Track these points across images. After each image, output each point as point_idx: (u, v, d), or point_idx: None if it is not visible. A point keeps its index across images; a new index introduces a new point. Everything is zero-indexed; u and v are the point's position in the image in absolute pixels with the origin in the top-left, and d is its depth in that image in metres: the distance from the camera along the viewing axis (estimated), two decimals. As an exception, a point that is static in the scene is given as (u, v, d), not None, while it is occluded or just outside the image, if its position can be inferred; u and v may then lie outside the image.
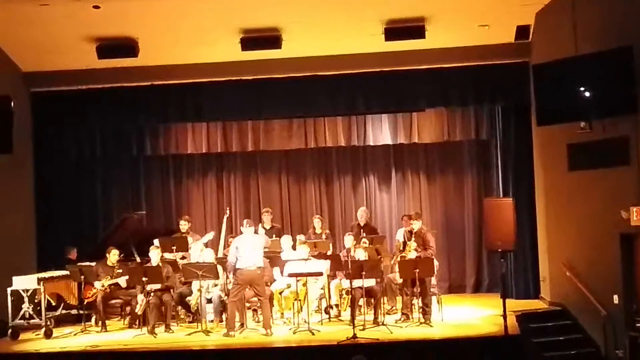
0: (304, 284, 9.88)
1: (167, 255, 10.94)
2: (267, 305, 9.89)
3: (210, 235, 11.58)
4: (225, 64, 11.78)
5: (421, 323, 9.82)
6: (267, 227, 11.87)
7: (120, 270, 10.71)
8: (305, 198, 13.63)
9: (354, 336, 9.05)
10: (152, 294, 10.08)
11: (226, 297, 10.24)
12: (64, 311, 10.92)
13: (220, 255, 11.19)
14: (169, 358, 9.09)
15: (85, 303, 10.67)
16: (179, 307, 10.78)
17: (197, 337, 9.78)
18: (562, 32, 10.21)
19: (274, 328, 9.85)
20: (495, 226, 9.24)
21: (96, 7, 9.97)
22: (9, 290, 10.31)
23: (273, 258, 10.70)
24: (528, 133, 11.67)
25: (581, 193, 10.41)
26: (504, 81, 11.65)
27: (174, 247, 11.07)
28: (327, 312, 10.65)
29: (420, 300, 9.98)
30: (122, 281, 10.63)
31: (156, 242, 10.80)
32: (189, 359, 9.10)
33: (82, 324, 10.48)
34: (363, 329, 9.50)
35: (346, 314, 10.40)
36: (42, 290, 10.32)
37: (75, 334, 10.29)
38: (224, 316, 10.28)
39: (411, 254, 10.17)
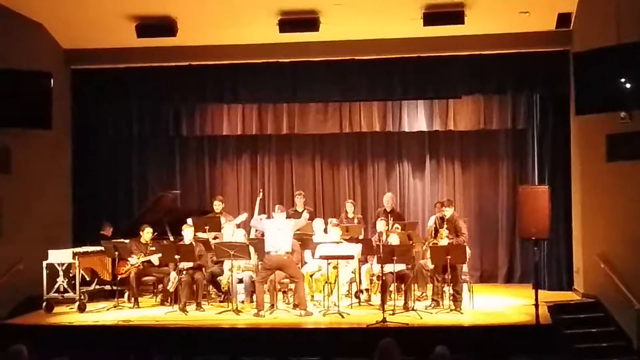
0: (335, 267, 9.89)
1: (200, 235, 11.03)
2: (302, 285, 9.92)
3: (243, 217, 11.65)
4: (262, 46, 11.80)
5: (451, 310, 9.78)
6: (300, 210, 11.89)
7: (154, 248, 10.83)
8: (338, 182, 13.64)
9: (384, 320, 9.04)
10: (184, 272, 10.17)
11: (255, 277, 10.32)
12: (97, 286, 11.06)
13: (252, 236, 11.26)
14: (199, 335, 9.15)
15: (118, 279, 10.81)
16: (210, 287, 10.87)
17: (227, 316, 9.87)
18: (605, 20, 10.02)
19: (303, 310, 9.90)
20: (529, 214, 9.15)
21: (137, -15, 10.07)
22: (44, 263, 10.46)
23: (305, 240, 10.75)
24: (566, 123, 11.51)
25: (619, 184, 10.26)
26: (543, 70, 11.52)
27: (207, 227, 11.15)
28: (357, 297, 10.66)
29: (451, 287, 9.92)
30: (155, 259, 10.75)
31: (189, 221, 10.88)
32: (219, 337, 9.13)
33: (115, 299, 10.62)
34: (393, 314, 9.48)
35: (376, 299, 10.40)
36: (76, 264, 10.45)
37: (108, 309, 10.44)
38: (254, 297, 10.35)
39: (443, 241, 10.11)
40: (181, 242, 10.50)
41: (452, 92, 12.17)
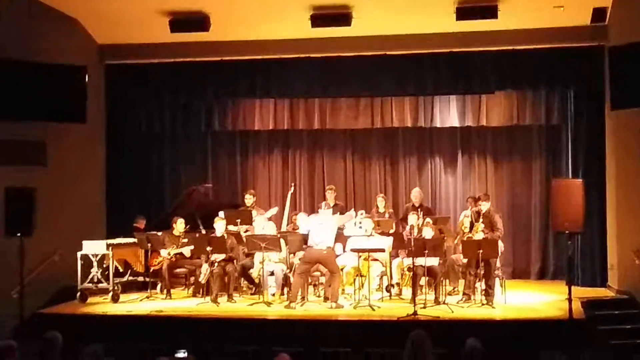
0: (366, 259, 9.89)
1: (231, 228, 11.10)
2: (337, 279, 9.94)
3: (274, 210, 11.70)
4: (294, 41, 11.84)
5: (483, 304, 9.73)
6: (331, 204, 11.88)
7: (186, 240, 10.92)
8: (370, 177, 13.61)
9: (415, 313, 9.02)
10: (216, 264, 10.24)
11: (288, 271, 10.37)
12: (130, 277, 11.20)
13: (283, 229, 11.31)
14: (231, 325, 9.22)
15: (151, 271, 10.93)
16: (242, 279, 10.94)
17: (258, 307, 9.92)
18: (641, 14, 9.94)
19: (334, 303, 9.91)
20: (563, 207, 9.05)
21: (171, -20, 10.15)
22: (78, 254, 10.60)
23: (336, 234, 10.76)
24: (600, 119, 11.38)
25: (654, 180, 10.15)
26: (578, 65, 11.41)
27: (239, 220, 11.21)
28: (388, 291, 10.65)
29: (483, 282, 9.87)
30: (187, 251, 10.84)
31: (221, 213, 10.95)
32: (250, 327, 9.18)
33: (148, 290, 10.74)
34: (424, 307, 9.45)
35: (407, 293, 10.39)
36: (110, 255, 10.59)
37: (141, 300, 10.55)
38: (285, 290, 10.40)
39: (478, 235, 10.05)
40: (213, 235, 10.57)
41: (485, 88, 12.09)
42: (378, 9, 10.88)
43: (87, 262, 10.65)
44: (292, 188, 12.38)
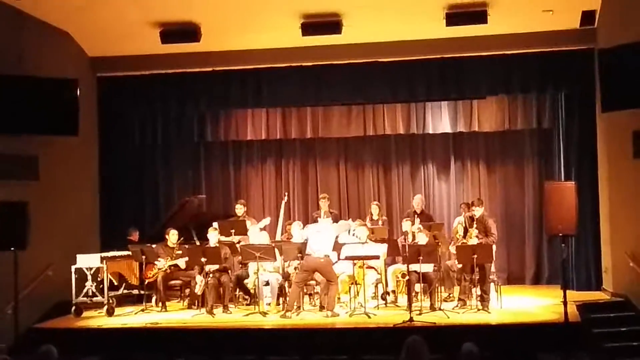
0: (361, 267, 9.89)
1: (225, 239, 11.07)
2: (335, 287, 9.94)
3: (267, 221, 11.68)
4: (285, 50, 11.84)
5: (479, 310, 9.74)
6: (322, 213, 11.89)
7: (180, 252, 10.90)
8: (363, 185, 13.64)
9: (411, 320, 9.03)
10: (210, 275, 10.22)
11: (283, 280, 10.36)
12: (125, 291, 11.17)
13: (277, 239, 11.29)
14: (226, 336, 9.21)
15: (146, 283, 10.91)
16: (237, 290, 10.92)
17: (254, 317, 9.89)
18: (630, 17, 9.97)
19: (330, 311, 9.90)
20: (556, 210, 9.04)
21: (161, -9, 10.16)
22: (73, 268, 10.57)
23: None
24: (591, 121, 11.40)
25: (647, 181, 10.16)
26: (568, 68, 11.43)
27: (233, 230, 11.19)
28: (383, 298, 10.64)
29: (478, 287, 9.87)
30: (182, 262, 10.82)
31: (215, 224, 10.94)
32: (246, 337, 9.18)
33: (143, 303, 10.70)
34: (420, 314, 9.45)
35: (403, 301, 10.39)
36: (104, 268, 10.56)
37: (136, 313, 10.51)
38: (280, 299, 10.39)
39: (472, 241, 10.07)
40: (207, 246, 10.55)
41: (476, 93, 12.12)
42: (368, 17, 10.91)
43: (81, 276, 10.62)
44: (286, 197, 12.38)
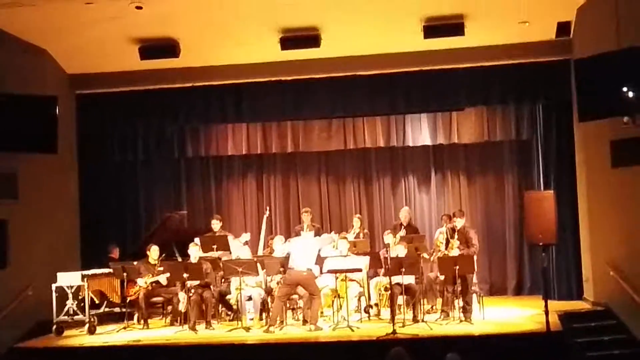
0: (343, 280, 9.89)
1: (205, 255, 11.01)
2: (318, 301, 9.93)
3: (247, 236, 11.63)
4: (264, 65, 11.88)
5: (461, 321, 9.76)
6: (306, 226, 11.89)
7: (162, 268, 10.83)
8: (345, 199, 13.65)
9: (394, 332, 9.02)
10: (192, 291, 10.17)
11: (266, 295, 10.33)
12: (106, 309, 11.06)
13: (260, 254, 11.27)
14: (210, 352, 9.15)
15: (127, 301, 10.81)
16: (220, 306, 10.87)
17: (237, 333, 9.85)
18: (604, 28, 10.05)
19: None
20: (536, 219, 9.11)
21: (139, 7, 10.11)
22: (53, 286, 10.48)
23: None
24: (569, 131, 11.52)
25: (625, 190, 10.22)
26: (545, 79, 11.56)
27: (215, 246, 11.15)
28: (366, 312, 10.63)
29: (461, 299, 9.90)
30: (163, 279, 10.74)
31: (197, 240, 10.90)
32: (229, 353, 9.13)
33: (125, 321, 10.61)
34: (403, 326, 9.46)
35: (386, 314, 10.38)
36: (85, 286, 10.48)
37: (117, 331, 10.41)
38: (264, 314, 10.35)
39: (454, 252, 10.11)
40: (189, 262, 10.50)
41: (455, 105, 12.23)
42: (346, 31, 10.99)
43: (62, 295, 10.52)
44: (267, 212, 12.38)
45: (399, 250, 10.24)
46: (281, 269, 10.11)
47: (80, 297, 10.55)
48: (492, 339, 9.04)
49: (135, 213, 13.43)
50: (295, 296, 10.24)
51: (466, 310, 9.86)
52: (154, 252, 10.95)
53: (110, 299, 11.06)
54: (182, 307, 10.29)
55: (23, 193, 11.04)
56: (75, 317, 10.50)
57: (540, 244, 9.30)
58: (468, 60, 11.62)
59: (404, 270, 9.50)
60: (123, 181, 13.35)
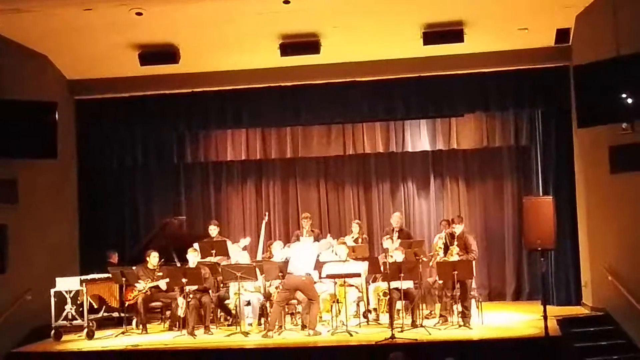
0: (342, 285, 9.89)
1: (203, 260, 11.01)
2: (316, 306, 9.93)
3: (246, 241, 11.64)
4: (264, 71, 11.91)
5: (460, 326, 9.76)
6: (306, 232, 11.90)
7: (161, 274, 10.83)
8: (344, 204, 13.68)
9: (392, 337, 9.03)
10: (191, 296, 10.17)
11: (264, 300, 10.34)
12: (105, 314, 11.04)
13: (259, 259, 11.27)
14: (208, 357, 9.17)
15: (126, 305, 10.81)
16: (219, 311, 10.87)
17: (236, 338, 9.86)
18: (603, 35, 10.10)
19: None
20: (534, 225, 9.15)
21: (139, 14, 10.14)
22: (52, 291, 10.48)
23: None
24: (569, 137, 11.55)
25: (624, 196, 10.26)
26: (544, 85, 11.60)
27: (214, 251, 11.16)
28: (365, 316, 10.64)
29: (459, 304, 9.90)
30: (163, 284, 10.75)
31: (195, 245, 10.92)
32: (228, 358, 9.15)
33: (124, 326, 10.61)
34: (401, 331, 9.47)
35: (384, 318, 10.38)
36: (84, 291, 10.48)
37: (116, 336, 10.42)
38: (262, 319, 10.36)
39: (453, 258, 10.12)
40: (188, 267, 10.51)
41: (454, 111, 12.25)
42: (346, 37, 11.00)
43: (60, 299, 10.51)
44: (266, 217, 12.39)
45: (397, 256, 10.24)
46: (280, 274, 10.12)
47: (79, 302, 10.54)
48: (491, 344, 9.05)
49: (134, 218, 13.46)
50: (294, 301, 10.23)
51: (465, 315, 9.86)
52: (153, 258, 10.95)
53: (109, 304, 11.05)
54: (180, 312, 10.27)
55: (22, 198, 11.05)
56: (74, 322, 10.48)
57: (539, 249, 9.33)
58: (467, 66, 11.65)
59: (402, 275, 9.50)
60: (122, 186, 13.38)
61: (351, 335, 9.52)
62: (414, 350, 8.39)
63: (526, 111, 12.30)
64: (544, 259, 9.56)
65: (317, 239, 11.44)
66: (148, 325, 10.79)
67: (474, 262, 10.13)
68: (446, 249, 10.40)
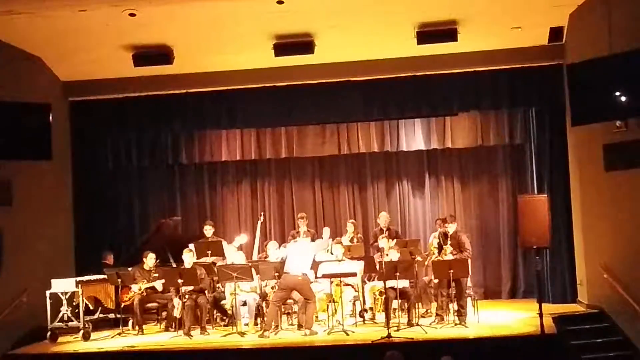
0: (338, 285, 9.90)
1: (199, 260, 11.01)
2: (312, 306, 9.93)
3: (243, 238, 11.64)
4: (258, 71, 11.91)
5: (456, 324, 9.78)
6: (302, 232, 11.90)
7: (157, 275, 10.83)
8: (339, 204, 13.69)
9: (389, 336, 9.05)
10: (186, 296, 10.17)
11: (260, 300, 10.34)
12: (101, 315, 11.04)
13: (254, 259, 11.28)
14: (204, 357, 9.18)
15: (122, 307, 10.81)
16: (215, 311, 10.87)
17: (232, 338, 9.86)
18: (596, 33, 10.12)
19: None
20: (529, 223, 9.17)
21: (132, 15, 10.13)
22: (47, 293, 10.48)
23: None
24: (563, 135, 11.57)
25: (618, 193, 10.28)
26: (538, 84, 11.63)
27: (209, 252, 11.16)
28: (361, 316, 10.65)
29: (455, 302, 9.93)
30: (159, 285, 10.75)
31: (191, 246, 10.91)
32: (224, 358, 9.14)
33: (120, 327, 10.60)
34: (397, 330, 9.50)
35: (380, 318, 10.40)
36: (80, 293, 10.48)
37: (112, 337, 10.42)
38: (258, 319, 10.36)
39: (447, 257, 10.14)
40: (183, 267, 10.51)
41: (448, 110, 12.24)
42: (340, 37, 11.01)
43: (56, 301, 10.52)
44: (262, 217, 12.38)
45: (392, 255, 10.26)
46: (276, 274, 10.12)
47: (74, 304, 10.54)
48: (487, 342, 9.07)
49: (130, 219, 13.45)
50: (290, 301, 10.24)
51: (461, 313, 9.89)
52: (150, 259, 10.94)
53: (105, 305, 11.06)
54: (176, 313, 10.28)
55: (17, 200, 11.02)
56: (70, 324, 10.49)
57: (534, 247, 9.37)
58: (461, 65, 11.67)
59: (398, 274, 9.51)
60: (117, 188, 13.36)
61: (347, 334, 9.53)
62: (410, 349, 8.40)
63: (520, 110, 12.33)
64: (539, 257, 9.60)
65: (313, 240, 11.44)
66: (144, 326, 10.77)
67: (469, 261, 10.14)
68: (440, 248, 10.42)
